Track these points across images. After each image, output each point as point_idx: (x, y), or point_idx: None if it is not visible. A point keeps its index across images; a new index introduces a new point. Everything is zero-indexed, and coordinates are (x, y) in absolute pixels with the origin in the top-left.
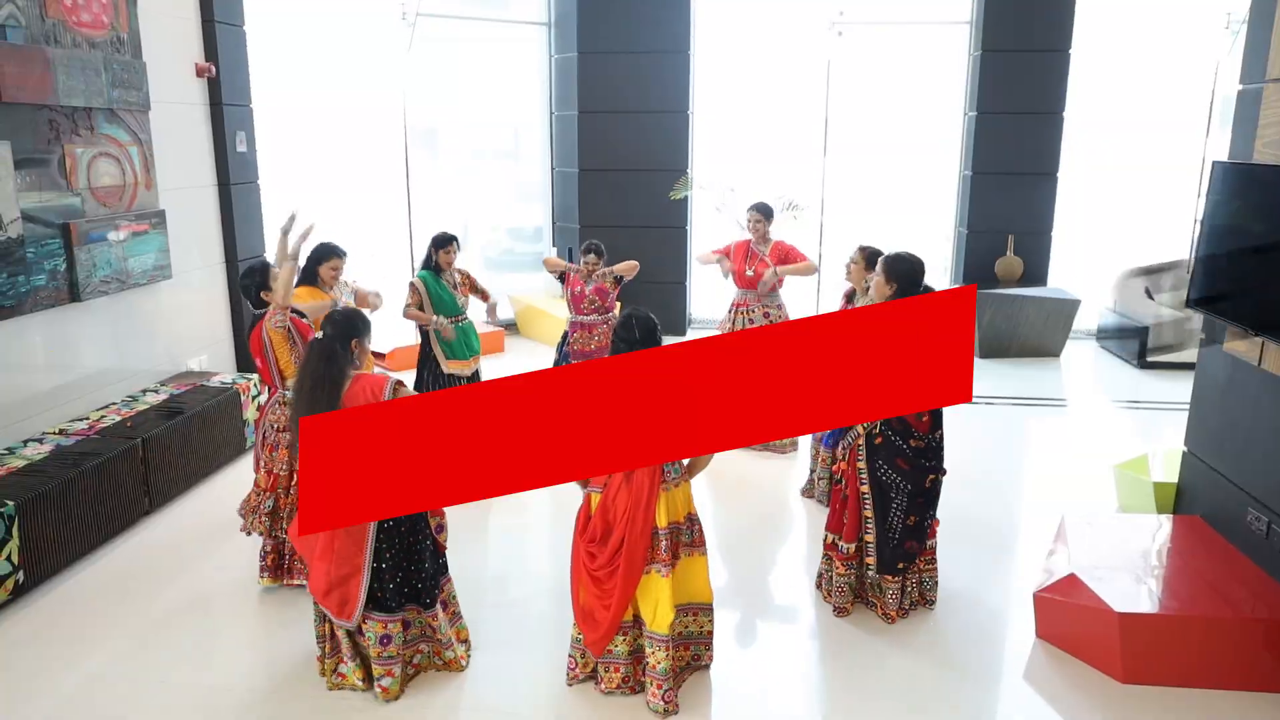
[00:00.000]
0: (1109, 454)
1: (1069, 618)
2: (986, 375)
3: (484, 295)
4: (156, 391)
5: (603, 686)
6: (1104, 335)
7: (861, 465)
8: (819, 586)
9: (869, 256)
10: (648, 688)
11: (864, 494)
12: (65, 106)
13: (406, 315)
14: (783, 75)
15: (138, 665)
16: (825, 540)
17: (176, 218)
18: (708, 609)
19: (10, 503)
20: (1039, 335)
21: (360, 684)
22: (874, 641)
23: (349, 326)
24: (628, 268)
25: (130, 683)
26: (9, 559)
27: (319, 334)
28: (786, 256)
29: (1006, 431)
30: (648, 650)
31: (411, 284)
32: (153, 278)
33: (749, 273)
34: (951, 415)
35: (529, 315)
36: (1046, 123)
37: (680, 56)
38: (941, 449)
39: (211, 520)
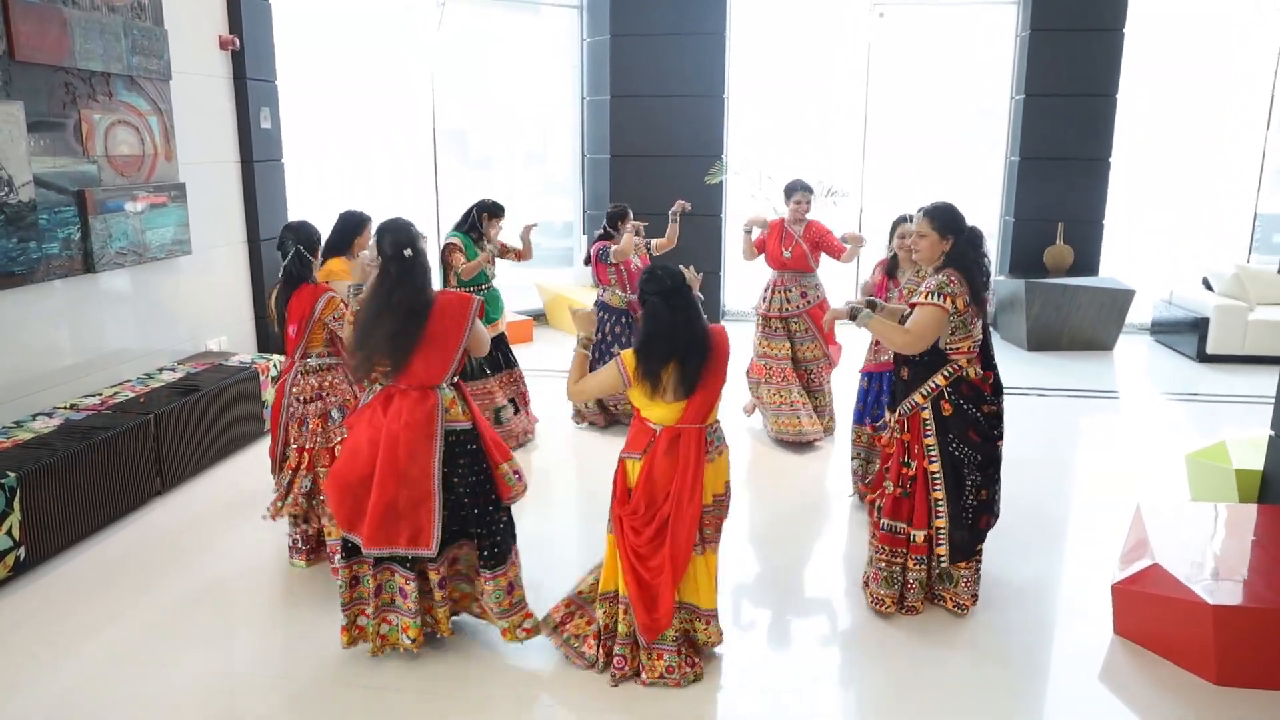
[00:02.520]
0: (1171, 446)
1: (1153, 612)
2: (1036, 368)
3: (519, 254)
4: (174, 370)
5: (645, 678)
6: (1159, 329)
7: (930, 441)
8: (867, 586)
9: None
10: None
11: (934, 473)
12: (82, 70)
13: (465, 273)
14: (821, 58)
15: (144, 651)
16: (881, 531)
17: (197, 193)
18: (711, 615)
19: (11, 474)
20: (1091, 327)
21: (410, 642)
22: (929, 639)
23: (410, 233)
24: (664, 244)
25: (135, 669)
26: (9, 534)
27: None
28: (821, 239)
29: (1059, 424)
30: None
31: (451, 244)
32: (171, 252)
33: (786, 254)
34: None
35: (558, 305)
36: (1099, 105)
37: (715, 38)
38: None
39: (226, 503)
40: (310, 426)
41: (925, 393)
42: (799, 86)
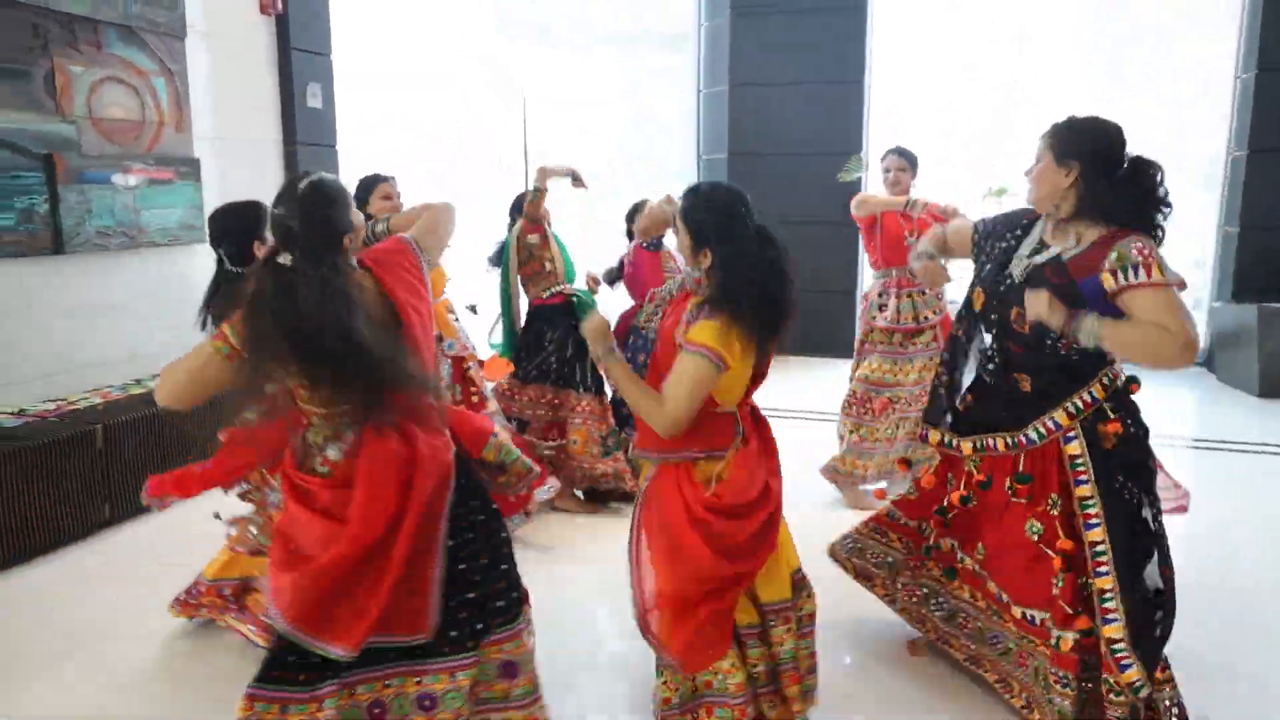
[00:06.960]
0: None
1: None
2: (1270, 420)
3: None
4: None
5: None
6: None
7: (1087, 492)
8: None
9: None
10: None
11: (1097, 547)
12: (58, 12)
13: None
14: (976, 36)
15: None
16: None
17: (220, 172)
18: None
19: None
20: None
21: None
22: None
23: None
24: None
25: None
26: None
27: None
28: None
29: None
30: None
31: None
32: (177, 239)
33: (910, 239)
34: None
35: None
36: None
37: (855, 15)
38: None
39: (190, 541)
40: None
41: (1074, 410)
42: (953, 69)
